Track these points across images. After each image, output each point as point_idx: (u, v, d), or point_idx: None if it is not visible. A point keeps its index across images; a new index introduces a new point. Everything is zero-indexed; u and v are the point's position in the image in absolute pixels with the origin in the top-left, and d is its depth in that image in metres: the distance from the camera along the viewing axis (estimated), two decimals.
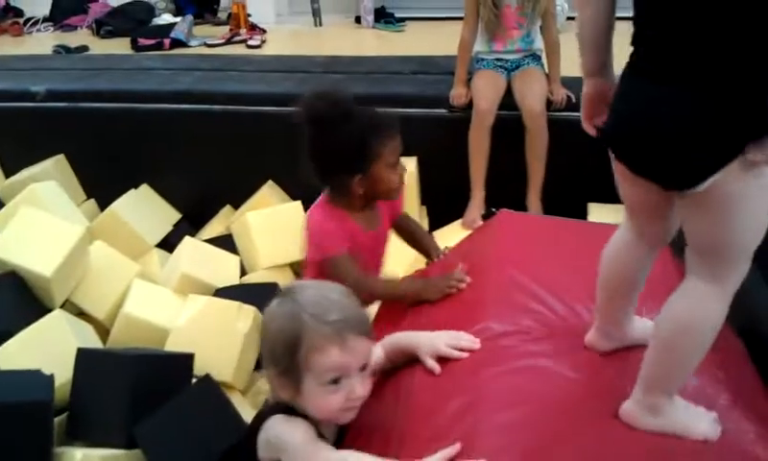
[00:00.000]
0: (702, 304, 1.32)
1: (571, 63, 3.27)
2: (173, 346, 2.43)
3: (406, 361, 1.59)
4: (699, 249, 1.34)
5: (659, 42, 1.24)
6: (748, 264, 1.32)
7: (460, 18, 3.26)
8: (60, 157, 3.45)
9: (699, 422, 1.39)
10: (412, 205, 3.19)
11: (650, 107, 1.26)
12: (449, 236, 2.90)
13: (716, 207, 1.26)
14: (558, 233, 2.03)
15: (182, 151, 3.41)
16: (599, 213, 3.02)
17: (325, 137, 1.82)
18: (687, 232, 1.35)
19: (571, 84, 3.19)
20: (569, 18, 4.73)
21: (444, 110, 3.25)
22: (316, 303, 1.38)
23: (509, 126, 3.09)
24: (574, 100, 3.11)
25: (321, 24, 5.17)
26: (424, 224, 3.23)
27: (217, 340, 2.43)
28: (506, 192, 3.02)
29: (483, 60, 3.25)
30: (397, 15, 5.11)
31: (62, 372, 2.15)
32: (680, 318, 1.34)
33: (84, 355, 2.19)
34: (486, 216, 2.92)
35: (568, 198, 3.06)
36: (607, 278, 1.54)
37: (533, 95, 3.06)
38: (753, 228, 1.27)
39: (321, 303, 1.38)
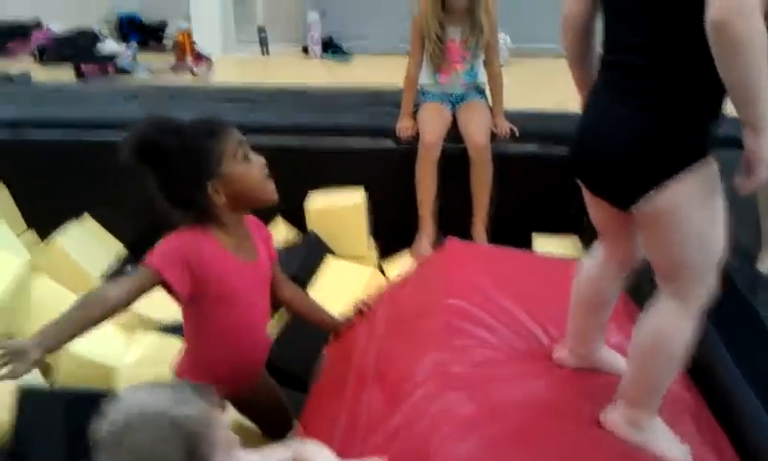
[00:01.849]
0: (668, 322, 1.41)
1: (514, 97, 3.38)
2: (122, 384, 2.38)
3: None
4: (658, 271, 1.45)
5: (617, 67, 1.39)
6: (711, 282, 1.40)
7: (406, 52, 3.31)
8: (0, 186, 3.37)
9: (676, 447, 1.48)
10: (360, 235, 3.20)
11: (601, 125, 1.40)
12: (399, 267, 2.93)
13: (661, 227, 1.37)
14: (504, 262, 2.07)
15: (125, 180, 3.34)
16: (544, 243, 3.09)
17: (164, 157, 1.70)
18: (647, 256, 1.47)
19: (515, 116, 3.27)
20: (512, 53, 4.85)
21: (391, 142, 3.28)
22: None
23: (455, 158, 3.14)
24: (518, 133, 3.19)
25: (268, 53, 5.19)
26: (373, 256, 3.24)
27: (166, 378, 2.38)
28: (453, 223, 3.07)
29: (428, 92, 3.30)
30: (345, 46, 5.16)
31: (4, 411, 2.09)
32: (649, 335, 1.44)
33: (23, 394, 2.11)
34: (436, 244, 2.94)
35: (514, 228, 3.12)
36: (578, 295, 1.65)
37: (476, 127, 3.12)
38: (699, 246, 1.36)
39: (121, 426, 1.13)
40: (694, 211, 1.33)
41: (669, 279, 1.41)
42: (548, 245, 3.06)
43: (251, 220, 1.88)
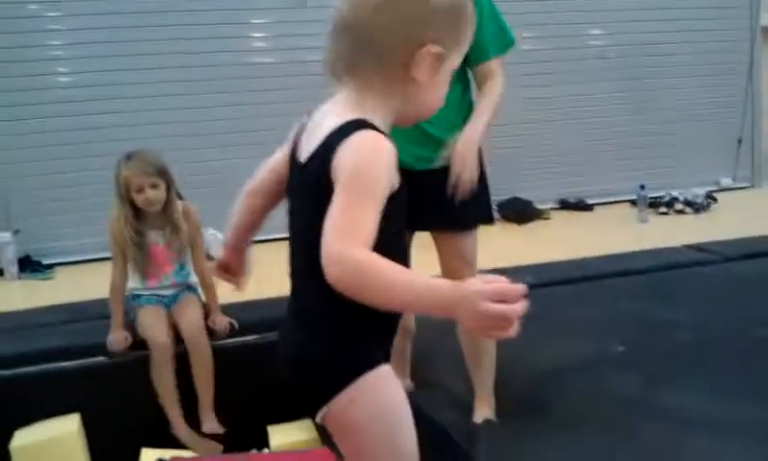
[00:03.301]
0: None
1: (230, 289, 3.38)
2: None
3: None
4: None
5: (292, 286, 1.42)
6: None
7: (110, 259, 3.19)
8: None
9: None
10: None
11: (282, 335, 1.44)
12: None
13: (345, 441, 1.39)
14: None
15: None
16: (279, 434, 3.01)
17: None
18: None
19: (232, 310, 3.25)
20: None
21: (103, 358, 3.07)
22: None
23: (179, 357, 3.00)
24: (237, 326, 3.16)
25: None
26: None
27: None
28: None
29: (140, 296, 3.18)
30: (45, 262, 4.87)
31: None
32: None
33: None
34: None
35: (249, 422, 3.04)
36: None
37: (189, 320, 3.05)
38: (385, 452, 1.37)
39: None
40: (373, 429, 1.35)
41: None
42: (285, 435, 2.99)
43: None
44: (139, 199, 3.01)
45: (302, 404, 1.39)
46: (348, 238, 1.15)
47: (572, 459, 1.94)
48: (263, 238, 5.37)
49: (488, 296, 1.10)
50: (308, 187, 1.31)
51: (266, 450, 2.87)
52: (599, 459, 1.92)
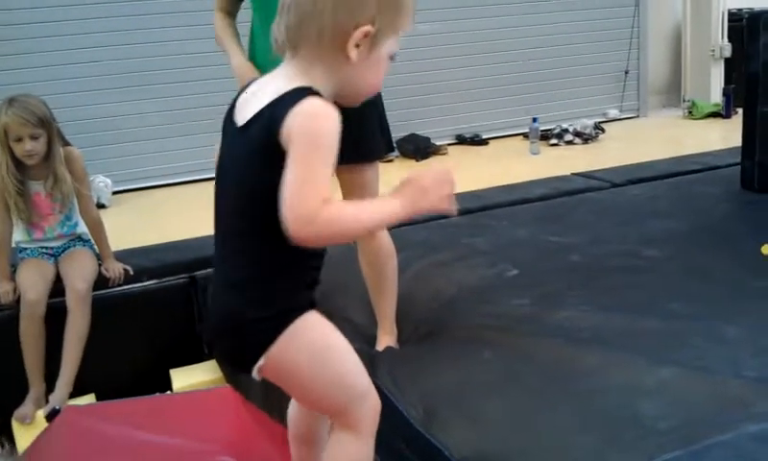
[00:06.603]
0: (344, 451, 1.44)
1: (123, 236, 3.29)
2: None
3: None
4: (316, 413, 1.53)
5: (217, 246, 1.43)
6: (371, 401, 1.45)
7: None
8: None
9: None
10: None
11: (214, 309, 1.45)
12: None
13: (291, 387, 1.45)
14: (131, 418, 1.95)
15: None
16: (182, 377, 2.99)
17: None
18: None
19: (126, 255, 3.17)
20: (116, 192, 4.75)
21: None
22: None
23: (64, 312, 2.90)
24: (132, 272, 3.09)
25: None
26: None
27: None
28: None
29: (25, 249, 3.06)
30: None
31: None
32: None
33: None
34: (50, 416, 2.65)
35: (151, 367, 3.02)
36: (290, 427, 1.64)
37: (75, 274, 2.94)
38: (338, 388, 1.42)
39: None
40: (314, 366, 1.39)
41: (329, 416, 1.46)
42: (187, 377, 2.96)
43: None
44: (18, 149, 2.88)
45: (238, 363, 1.41)
46: (314, 198, 1.25)
47: (471, 378, 1.99)
48: (156, 184, 5.28)
49: (419, 174, 1.36)
50: (250, 148, 1.33)
51: (169, 393, 2.84)
52: (497, 376, 1.99)
